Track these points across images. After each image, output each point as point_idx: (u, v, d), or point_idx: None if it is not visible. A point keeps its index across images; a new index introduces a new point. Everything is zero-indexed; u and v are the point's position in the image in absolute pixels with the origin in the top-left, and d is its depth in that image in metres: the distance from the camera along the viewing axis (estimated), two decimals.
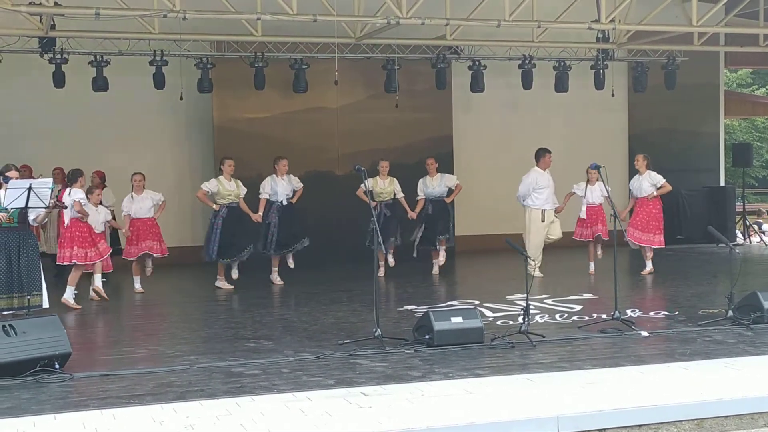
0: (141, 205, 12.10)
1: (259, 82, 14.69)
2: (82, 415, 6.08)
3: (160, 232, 12.26)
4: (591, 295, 11.22)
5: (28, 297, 8.90)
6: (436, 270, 13.72)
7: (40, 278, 9.41)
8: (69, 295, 10.91)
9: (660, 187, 13.21)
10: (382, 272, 12.71)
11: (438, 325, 8.04)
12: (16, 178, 9.18)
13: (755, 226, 18.25)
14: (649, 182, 13.21)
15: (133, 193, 12.20)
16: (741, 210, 18.37)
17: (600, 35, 15.42)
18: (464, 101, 16.55)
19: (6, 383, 6.94)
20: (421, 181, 13.66)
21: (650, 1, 14.52)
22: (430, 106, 16.16)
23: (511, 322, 9.17)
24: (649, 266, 13.26)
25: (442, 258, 13.77)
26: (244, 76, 14.83)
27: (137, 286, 12.20)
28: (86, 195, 11.32)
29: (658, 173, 13.26)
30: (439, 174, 13.68)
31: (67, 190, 11.16)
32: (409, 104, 15.74)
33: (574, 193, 13.43)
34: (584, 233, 13.34)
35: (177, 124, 15.81)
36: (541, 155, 13.28)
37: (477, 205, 16.66)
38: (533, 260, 12.08)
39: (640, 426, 6.00)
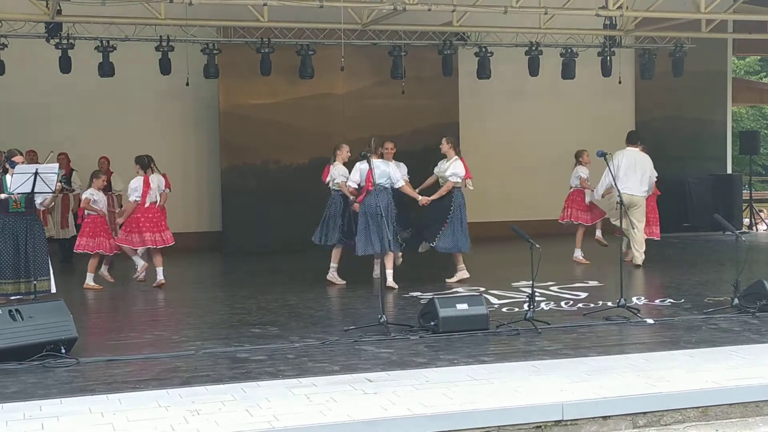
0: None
1: (265, 68, 14.67)
2: (88, 399, 6.10)
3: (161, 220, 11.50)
4: (596, 282, 11.21)
5: (35, 282, 8.92)
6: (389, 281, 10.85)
7: (47, 263, 9.42)
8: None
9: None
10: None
11: (443, 312, 8.04)
12: (22, 163, 9.20)
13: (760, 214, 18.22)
14: None
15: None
16: (748, 198, 18.31)
17: (607, 22, 15.34)
18: (471, 88, 16.50)
19: (12, 368, 6.97)
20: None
21: None
22: (436, 92, 16.12)
23: (516, 309, 9.18)
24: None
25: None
26: (251, 61, 14.81)
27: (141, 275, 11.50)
28: (91, 182, 11.43)
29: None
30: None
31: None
32: (416, 90, 15.70)
33: (586, 179, 13.21)
34: (582, 216, 13.24)
35: (183, 110, 15.81)
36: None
37: (483, 192, 16.59)
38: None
39: (644, 413, 6.00)
